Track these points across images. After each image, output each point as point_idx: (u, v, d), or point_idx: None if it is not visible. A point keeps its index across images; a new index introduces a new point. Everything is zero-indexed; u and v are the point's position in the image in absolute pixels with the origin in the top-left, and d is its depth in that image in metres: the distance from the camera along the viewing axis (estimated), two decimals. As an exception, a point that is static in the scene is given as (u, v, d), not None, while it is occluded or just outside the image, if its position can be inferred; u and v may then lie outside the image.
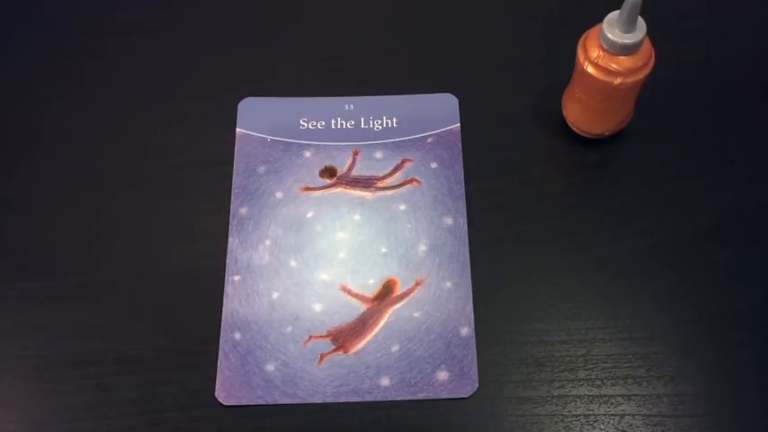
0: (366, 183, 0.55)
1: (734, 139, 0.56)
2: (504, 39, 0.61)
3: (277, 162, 0.55)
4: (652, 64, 0.49)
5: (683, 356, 0.49)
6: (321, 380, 0.48)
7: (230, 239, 0.53)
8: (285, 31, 0.61)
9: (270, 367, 0.49)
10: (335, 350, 0.49)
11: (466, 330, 0.50)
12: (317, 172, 0.55)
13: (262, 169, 0.55)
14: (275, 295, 0.51)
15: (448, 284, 0.51)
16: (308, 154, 0.56)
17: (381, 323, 0.50)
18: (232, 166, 0.55)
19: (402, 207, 0.54)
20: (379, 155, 0.56)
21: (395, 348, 0.49)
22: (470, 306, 0.50)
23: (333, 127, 0.57)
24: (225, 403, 0.48)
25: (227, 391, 0.48)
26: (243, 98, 0.58)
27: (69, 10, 0.62)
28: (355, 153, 0.56)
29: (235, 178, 0.55)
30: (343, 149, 0.56)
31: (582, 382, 0.48)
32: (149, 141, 0.56)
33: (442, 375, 0.48)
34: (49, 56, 0.60)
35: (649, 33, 0.48)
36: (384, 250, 0.52)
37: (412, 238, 0.53)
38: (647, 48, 0.49)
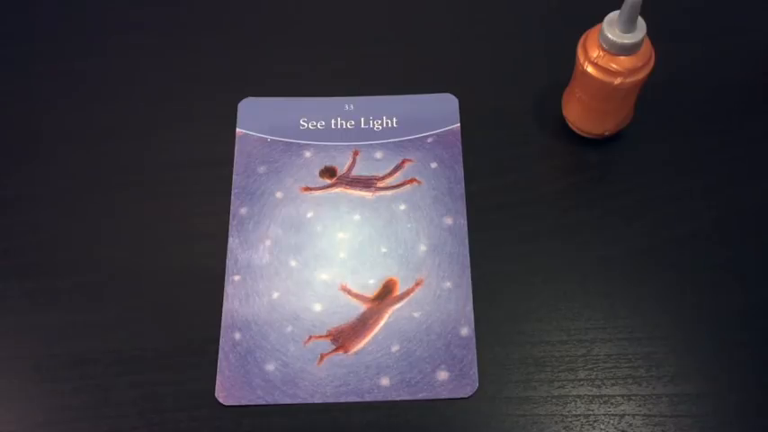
0: (366, 183, 0.55)
1: (734, 139, 0.56)
2: (504, 39, 0.61)
3: (277, 162, 0.55)
4: (652, 64, 0.49)
5: (683, 356, 0.49)
6: (321, 380, 0.48)
7: (230, 239, 0.53)
8: (285, 31, 0.61)
9: (270, 367, 0.49)
10: (335, 350, 0.49)
11: (466, 330, 0.50)
12: (317, 172, 0.55)
13: (262, 169, 0.55)
14: (275, 295, 0.51)
15: (448, 284, 0.51)
16: (308, 154, 0.56)
17: (381, 323, 0.50)
18: (232, 166, 0.55)
19: (402, 207, 0.54)
20: (379, 155, 0.56)
21: (395, 348, 0.49)
22: (470, 306, 0.50)
23: (333, 127, 0.57)
24: (225, 403, 0.48)
25: (227, 391, 0.48)
26: (243, 98, 0.58)
27: (69, 10, 0.62)
28: (355, 153, 0.56)
29: (235, 178, 0.55)
30: (343, 149, 0.56)
31: (582, 382, 0.48)
32: (149, 141, 0.56)
33: (442, 375, 0.48)
34: (49, 56, 0.60)
35: (649, 33, 0.48)
36: (384, 250, 0.52)
37: (412, 238, 0.53)
38: (647, 48, 0.49)
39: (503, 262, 0.52)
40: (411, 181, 0.55)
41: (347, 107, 0.57)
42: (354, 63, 0.60)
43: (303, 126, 0.57)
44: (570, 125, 0.55)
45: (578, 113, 0.54)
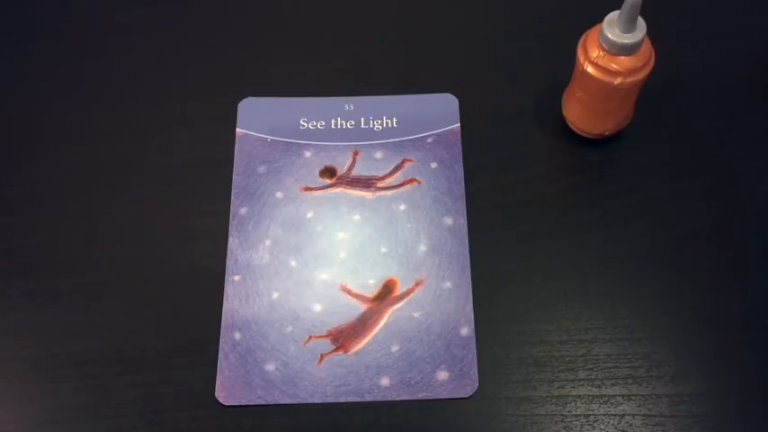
0: (366, 183, 0.55)
1: (734, 139, 0.56)
2: (504, 39, 0.61)
3: (277, 162, 0.55)
4: (652, 64, 0.49)
5: (683, 356, 0.49)
6: (321, 380, 0.48)
7: (230, 239, 0.53)
8: (285, 31, 0.61)
9: (270, 367, 0.49)
10: (335, 350, 0.49)
11: (466, 330, 0.50)
12: (317, 172, 0.55)
13: (262, 169, 0.55)
14: (275, 295, 0.51)
15: (448, 284, 0.51)
16: (308, 154, 0.56)
17: (381, 323, 0.50)
18: (232, 166, 0.55)
19: (402, 207, 0.54)
20: (379, 155, 0.56)
21: (395, 348, 0.49)
22: (470, 306, 0.50)
23: (333, 127, 0.57)
24: (225, 403, 0.48)
25: (227, 391, 0.48)
26: (243, 98, 0.58)
27: (69, 10, 0.62)
28: (355, 153, 0.56)
29: (235, 178, 0.55)
30: (343, 149, 0.56)
31: (582, 382, 0.48)
32: (149, 141, 0.56)
33: (442, 375, 0.48)
34: (49, 56, 0.60)
35: (649, 33, 0.48)
36: (384, 250, 0.52)
37: (412, 238, 0.53)
38: (647, 48, 0.49)
39: (503, 262, 0.52)
40: (411, 181, 0.55)
41: (347, 107, 0.57)
42: (354, 63, 0.60)
43: (303, 126, 0.57)
44: (570, 125, 0.55)
45: (578, 113, 0.54)
